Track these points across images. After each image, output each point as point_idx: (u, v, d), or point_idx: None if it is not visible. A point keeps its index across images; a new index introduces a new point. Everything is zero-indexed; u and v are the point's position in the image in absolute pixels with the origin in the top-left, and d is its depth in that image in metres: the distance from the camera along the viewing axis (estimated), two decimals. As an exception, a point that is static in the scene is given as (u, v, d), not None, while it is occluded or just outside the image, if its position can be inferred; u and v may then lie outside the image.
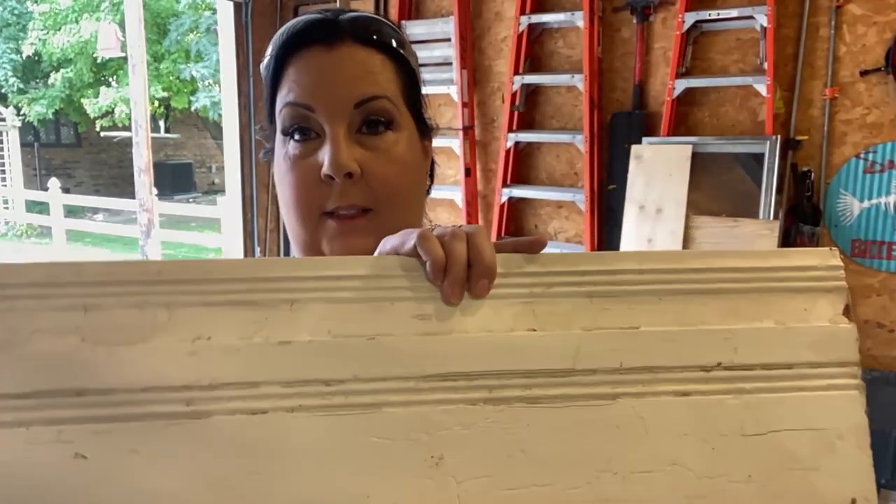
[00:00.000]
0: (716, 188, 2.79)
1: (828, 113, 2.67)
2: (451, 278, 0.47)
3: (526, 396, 0.48)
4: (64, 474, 0.43)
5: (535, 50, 3.28)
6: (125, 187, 12.52)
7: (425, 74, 0.75)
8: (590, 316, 0.49)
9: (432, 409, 0.47)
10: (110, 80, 12.26)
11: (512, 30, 3.21)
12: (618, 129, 3.07)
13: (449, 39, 3.34)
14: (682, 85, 2.86)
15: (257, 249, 4.18)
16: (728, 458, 0.48)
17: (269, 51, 0.70)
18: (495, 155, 3.39)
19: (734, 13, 2.72)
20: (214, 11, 7.61)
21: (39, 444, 0.43)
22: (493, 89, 3.41)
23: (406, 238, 0.50)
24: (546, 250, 0.50)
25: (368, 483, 0.45)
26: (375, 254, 0.52)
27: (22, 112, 12.25)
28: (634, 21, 2.99)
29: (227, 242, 6.32)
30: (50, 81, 12.26)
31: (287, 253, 1.34)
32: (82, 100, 12.11)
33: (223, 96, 4.32)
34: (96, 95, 11.89)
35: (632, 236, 2.86)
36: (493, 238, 2.81)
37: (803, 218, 2.71)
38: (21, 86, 12.19)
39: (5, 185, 11.60)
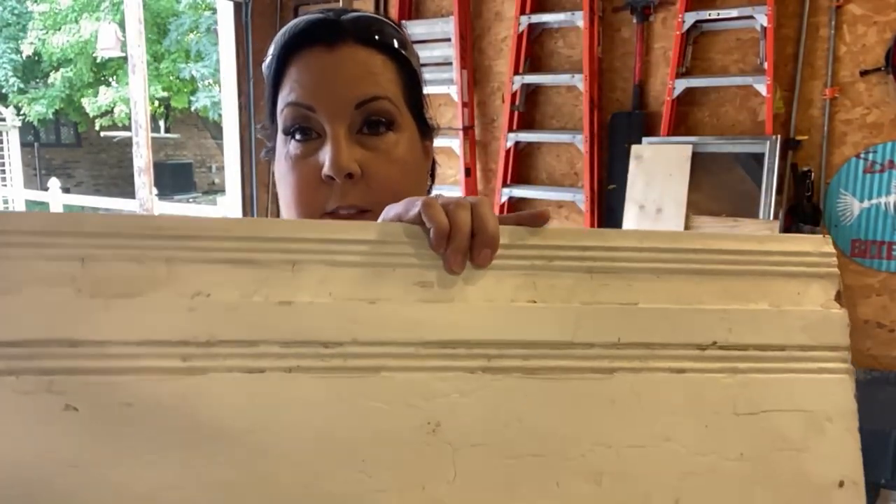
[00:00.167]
0: (716, 188, 2.80)
1: (828, 113, 2.67)
2: (454, 246, 0.47)
3: (524, 367, 0.48)
4: (53, 425, 0.42)
5: (535, 50, 3.28)
6: (125, 187, 12.51)
7: (425, 74, 0.75)
8: (590, 290, 0.50)
9: (431, 375, 0.47)
10: (110, 79, 12.26)
11: (512, 30, 3.21)
12: (618, 129, 3.07)
13: (449, 39, 3.34)
14: (682, 85, 2.86)
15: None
16: (720, 437, 0.49)
17: (270, 50, 0.70)
18: (495, 155, 3.39)
19: (734, 13, 2.72)
20: (214, 11, 7.61)
21: (28, 393, 0.42)
22: (493, 89, 3.41)
23: (410, 205, 0.50)
24: None
25: (364, 446, 0.45)
26: (379, 220, 0.52)
27: (22, 112, 12.24)
28: (634, 21, 2.99)
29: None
30: (50, 81, 12.26)
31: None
32: (82, 99, 12.11)
33: (223, 96, 4.32)
34: (96, 95, 11.88)
35: (632, 236, 2.86)
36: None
37: (803, 218, 2.71)
38: (21, 86, 12.18)
39: (5, 185, 11.59)
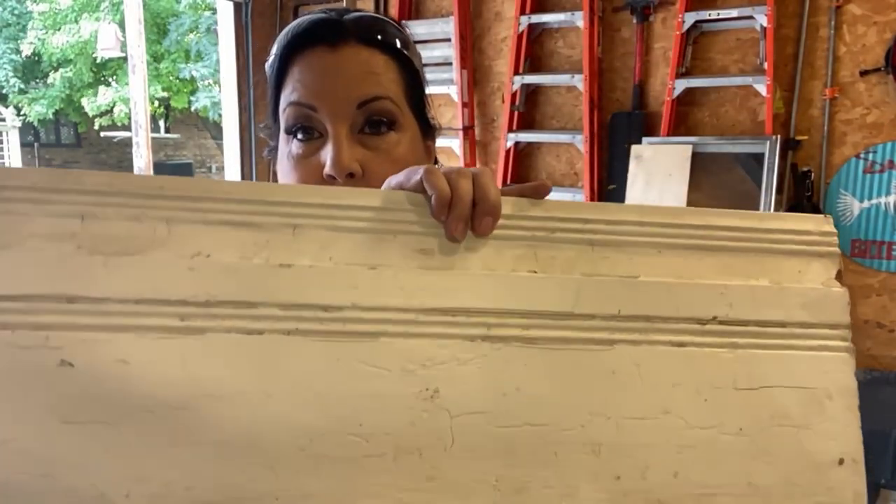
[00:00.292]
0: (716, 188, 2.80)
1: (828, 113, 2.68)
2: (455, 214, 0.47)
3: (524, 336, 0.48)
4: (48, 380, 0.42)
5: (535, 50, 3.29)
6: (125, 187, 12.48)
7: (425, 74, 0.76)
8: (590, 262, 0.50)
9: (430, 342, 0.46)
10: (110, 79, 12.26)
11: (512, 30, 3.21)
12: (618, 129, 3.07)
13: (449, 39, 3.34)
14: (682, 85, 2.86)
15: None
16: (720, 411, 0.49)
17: (273, 50, 0.70)
18: (495, 155, 3.39)
19: (734, 13, 2.72)
20: (214, 11, 7.61)
21: (24, 347, 0.42)
22: (493, 89, 3.41)
23: (412, 174, 0.50)
24: None
25: (361, 411, 0.45)
26: (381, 188, 0.52)
27: (22, 112, 12.25)
28: (634, 21, 2.99)
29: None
30: (50, 81, 12.26)
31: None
32: (82, 100, 12.11)
33: (223, 96, 4.32)
34: (95, 95, 11.88)
35: (632, 236, 2.86)
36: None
37: (803, 218, 2.71)
38: (21, 86, 12.18)
39: (5, 185, 11.57)
